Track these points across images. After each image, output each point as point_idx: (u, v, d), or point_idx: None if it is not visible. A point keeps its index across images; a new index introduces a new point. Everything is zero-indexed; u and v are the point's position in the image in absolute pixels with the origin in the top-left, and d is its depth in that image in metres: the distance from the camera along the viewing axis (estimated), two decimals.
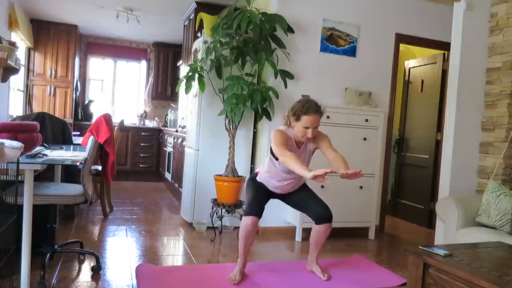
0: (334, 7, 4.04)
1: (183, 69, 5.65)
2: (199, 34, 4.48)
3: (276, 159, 2.62)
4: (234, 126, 3.77)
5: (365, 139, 3.93)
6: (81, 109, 6.91)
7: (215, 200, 3.76)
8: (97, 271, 2.68)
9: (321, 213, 2.70)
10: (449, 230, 3.00)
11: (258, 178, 2.83)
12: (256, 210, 2.63)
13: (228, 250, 3.41)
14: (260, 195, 2.77)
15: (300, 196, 2.83)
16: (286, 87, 3.77)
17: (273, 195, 2.84)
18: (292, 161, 2.38)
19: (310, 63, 4.01)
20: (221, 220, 3.73)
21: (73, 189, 2.56)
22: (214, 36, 3.77)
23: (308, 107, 2.54)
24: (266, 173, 2.77)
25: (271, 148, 2.64)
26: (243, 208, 3.89)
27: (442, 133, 4.01)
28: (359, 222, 4.00)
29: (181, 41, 6.02)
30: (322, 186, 3.60)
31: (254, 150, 4.19)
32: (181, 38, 5.99)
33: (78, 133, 5.84)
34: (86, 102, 7.17)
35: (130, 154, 6.97)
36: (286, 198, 2.88)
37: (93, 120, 4.05)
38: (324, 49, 4.04)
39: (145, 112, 7.64)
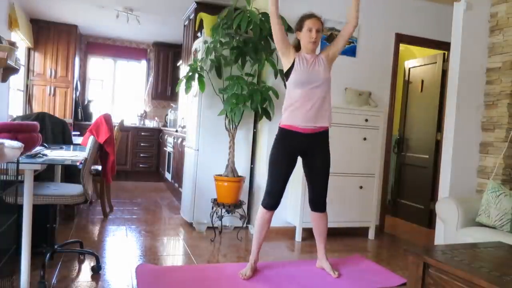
0: (334, 7, 4.04)
1: (183, 69, 5.65)
2: (199, 34, 4.48)
3: (287, 78, 2.74)
4: (234, 126, 3.77)
5: (365, 139, 3.93)
6: (81, 109, 6.91)
7: (215, 200, 3.76)
8: (97, 271, 2.68)
9: (315, 200, 2.86)
10: (449, 230, 3.00)
11: (283, 123, 2.76)
12: (274, 200, 2.74)
13: (228, 250, 3.41)
14: (281, 171, 2.73)
15: (316, 170, 2.80)
16: (286, 87, 3.76)
17: (296, 152, 2.77)
18: None
19: None
20: (221, 220, 3.73)
21: (73, 189, 2.56)
22: (214, 36, 3.77)
23: (306, 13, 2.78)
24: (289, 108, 2.73)
25: (284, 76, 2.84)
26: (243, 208, 3.89)
27: (442, 133, 4.01)
28: (359, 222, 4.00)
29: (181, 41, 6.02)
30: None
31: (254, 150, 4.19)
32: (181, 38, 5.99)
33: (78, 133, 5.84)
34: (86, 102, 7.17)
35: (130, 154, 6.97)
36: (306, 158, 2.81)
37: (93, 120, 4.05)
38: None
39: (145, 112, 7.64)
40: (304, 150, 2.77)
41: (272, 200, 2.75)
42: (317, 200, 2.85)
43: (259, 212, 2.80)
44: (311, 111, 2.68)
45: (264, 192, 2.81)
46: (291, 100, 2.72)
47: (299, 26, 2.76)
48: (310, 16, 2.74)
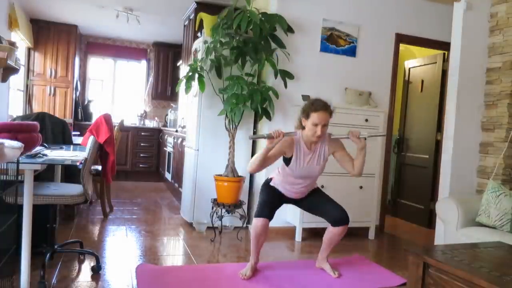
0: (334, 7, 4.04)
1: (183, 69, 5.65)
2: (199, 34, 4.48)
3: (287, 165, 2.69)
4: (234, 126, 3.77)
5: (365, 139, 3.92)
6: (81, 109, 6.91)
7: (215, 200, 3.76)
8: (97, 271, 2.68)
9: (339, 217, 2.74)
10: (449, 230, 3.00)
11: (272, 183, 2.84)
12: (266, 212, 2.68)
13: (228, 250, 3.41)
14: (272, 198, 2.79)
15: (316, 201, 2.85)
16: (286, 87, 3.77)
17: (286, 200, 2.86)
18: (254, 158, 2.59)
19: (310, 63, 4.01)
20: (221, 220, 3.73)
21: (73, 189, 2.56)
22: (214, 36, 3.77)
23: (317, 104, 2.60)
24: (279, 178, 2.81)
25: (283, 160, 2.74)
26: (243, 208, 3.89)
27: (442, 133, 4.01)
28: (359, 222, 4.00)
29: (181, 41, 6.02)
30: (322, 186, 3.59)
31: (254, 150, 4.19)
32: (181, 38, 5.99)
33: (78, 133, 5.84)
34: (86, 102, 7.17)
35: (130, 154, 6.97)
36: (300, 203, 2.90)
37: (93, 120, 4.05)
38: (324, 49, 4.04)
39: (145, 112, 7.64)
40: (294, 201, 2.91)
41: (266, 211, 2.69)
42: (337, 217, 2.74)
43: (253, 223, 2.68)
44: (301, 189, 2.81)
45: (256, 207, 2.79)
46: (282, 176, 2.79)
47: (306, 114, 2.62)
48: (319, 108, 2.57)
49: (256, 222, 2.66)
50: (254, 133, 4.16)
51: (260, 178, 3.95)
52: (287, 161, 2.71)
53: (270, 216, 2.68)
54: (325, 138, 2.73)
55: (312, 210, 2.89)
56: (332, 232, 2.80)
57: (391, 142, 4.51)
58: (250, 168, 2.60)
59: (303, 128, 2.68)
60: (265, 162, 2.57)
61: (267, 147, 2.52)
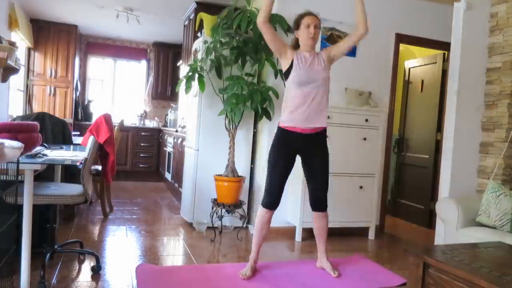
0: (334, 7, 4.04)
1: (183, 69, 5.65)
2: (199, 34, 4.48)
3: (289, 73, 2.72)
4: (234, 126, 3.77)
5: (365, 139, 3.93)
6: (81, 109, 6.91)
7: (215, 200, 3.76)
8: (97, 271, 2.68)
9: (316, 198, 2.84)
10: (449, 230, 3.00)
11: (282, 123, 2.77)
12: (273, 198, 2.74)
13: (228, 250, 3.41)
14: (280, 170, 2.74)
15: (318, 166, 2.80)
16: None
17: (295, 149, 2.78)
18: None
19: None
20: (221, 220, 3.73)
21: (73, 189, 2.56)
22: (214, 36, 3.77)
23: (303, 12, 2.80)
24: (288, 108, 2.74)
25: (283, 76, 2.81)
26: (243, 208, 3.89)
27: (442, 133, 4.01)
28: (359, 222, 4.00)
29: (181, 41, 6.02)
30: None
31: (254, 150, 4.19)
32: (181, 38, 5.99)
33: (78, 133, 5.84)
34: (86, 102, 7.17)
35: (130, 154, 6.97)
36: (307, 156, 2.81)
37: (93, 120, 4.05)
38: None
39: (145, 112, 7.64)
40: (303, 150, 2.79)
41: (271, 199, 2.75)
42: (318, 199, 2.84)
43: (259, 212, 2.80)
44: (310, 111, 2.69)
45: (263, 192, 2.82)
46: (290, 100, 2.73)
47: (297, 24, 2.79)
48: (307, 13, 2.77)
49: (262, 212, 2.77)
50: (254, 133, 4.16)
51: (260, 178, 3.95)
52: (288, 71, 2.73)
53: (275, 205, 2.76)
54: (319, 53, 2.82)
55: (307, 173, 2.86)
56: (315, 220, 2.91)
57: (391, 142, 4.51)
58: (259, 15, 2.62)
59: (298, 46, 2.80)
60: (271, 7, 2.62)
61: None
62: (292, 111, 2.71)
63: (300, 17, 2.77)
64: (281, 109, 2.81)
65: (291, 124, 2.72)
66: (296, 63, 2.70)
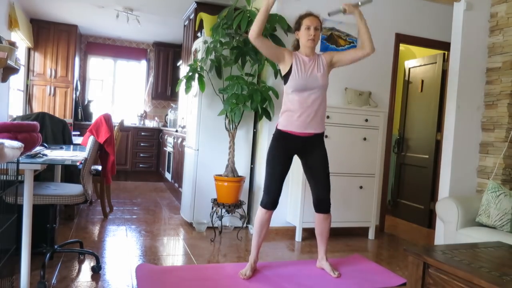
0: (333, 7, 4.03)
1: (183, 69, 5.65)
2: (199, 34, 4.48)
3: (288, 78, 2.69)
4: (234, 126, 3.77)
5: (365, 139, 3.93)
6: (81, 109, 6.91)
7: (215, 200, 3.76)
8: (97, 271, 2.68)
9: (320, 199, 2.82)
10: (449, 230, 3.01)
11: (279, 126, 2.78)
12: (272, 198, 2.74)
13: (228, 250, 3.41)
14: (278, 169, 2.74)
15: (317, 165, 2.79)
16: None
17: (293, 149, 2.78)
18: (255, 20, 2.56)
19: None
20: (221, 220, 3.73)
21: (73, 189, 2.56)
22: (214, 36, 3.77)
23: (304, 13, 2.79)
24: (286, 112, 2.74)
25: (283, 80, 2.76)
26: (243, 208, 3.89)
27: (442, 133, 4.01)
28: (359, 222, 4.00)
29: (181, 41, 6.02)
30: None
31: (254, 150, 4.19)
32: (181, 38, 6.00)
33: (78, 133, 5.85)
34: (86, 102, 7.17)
35: (130, 154, 6.97)
36: (305, 156, 2.81)
37: (93, 120, 4.05)
38: (324, 49, 4.03)
39: (145, 112, 7.64)
40: (300, 150, 2.81)
41: (270, 199, 2.75)
42: (321, 198, 2.82)
43: (258, 212, 2.80)
44: (307, 118, 2.71)
45: (262, 192, 2.82)
46: (288, 105, 2.74)
47: (298, 25, 2.78)
48: (308, 14, 2.76)
49: (261, 212, 2.77)
50: (254, 133, 4.16)
51: (260, 178, 3.95)
52: (286, 76, 2.70)
53: (274, 205, 2.76)
54: (320, 55, 2.81)
55: (309, 174, 2.86)
56: (318, 221, 2.89)
57: (391, 142, 4.51)
58: (252, 31, 2.55)
59: (298, 47, 2.80)
60: (264, 23, 2.55)
61: (267, 3, 2.52)
62: (289, 115, 2.73)
63: (301, 18, 2.77)
64: (280, 112, 2.81)
65: (288, 128, 2.74)
66: (295, 68, 2.69)
